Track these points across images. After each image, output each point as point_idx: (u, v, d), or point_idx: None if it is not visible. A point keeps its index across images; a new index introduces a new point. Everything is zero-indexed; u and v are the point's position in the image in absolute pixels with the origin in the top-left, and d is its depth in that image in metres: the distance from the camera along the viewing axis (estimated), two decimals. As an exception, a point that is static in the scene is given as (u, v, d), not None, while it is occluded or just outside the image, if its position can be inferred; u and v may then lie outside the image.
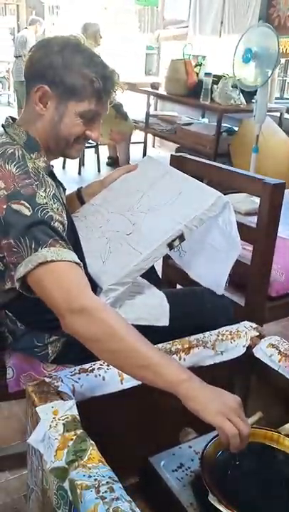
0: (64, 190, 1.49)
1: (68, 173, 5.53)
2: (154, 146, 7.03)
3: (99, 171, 5.75)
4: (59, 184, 1.42)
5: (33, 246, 1.09)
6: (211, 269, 1.62)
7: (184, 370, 1.05)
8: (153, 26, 7.55)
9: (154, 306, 1.49)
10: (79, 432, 1.02)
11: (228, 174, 1.75)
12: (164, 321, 1.47)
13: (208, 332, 1.43)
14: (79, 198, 1.69)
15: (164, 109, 6.83)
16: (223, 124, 4.69)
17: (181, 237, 1.43)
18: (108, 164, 6.06)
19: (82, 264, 1.14)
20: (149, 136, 6.27)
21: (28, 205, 1.13)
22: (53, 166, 1.38)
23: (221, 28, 5.51)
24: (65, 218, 1.27)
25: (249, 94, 4.39)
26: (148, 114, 5.87)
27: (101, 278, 1.42)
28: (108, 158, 6.10)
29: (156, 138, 6.78)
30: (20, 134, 1.29)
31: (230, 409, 0.99)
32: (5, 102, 10.42)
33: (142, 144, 6.05)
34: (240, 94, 4.63)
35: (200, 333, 1.42)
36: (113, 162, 6.04)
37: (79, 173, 5.64)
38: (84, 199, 1.68)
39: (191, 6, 5.98)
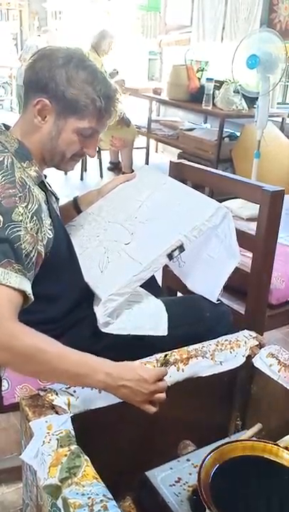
0: (57, 199, 1.47)
1: (70, 178, 5.52)
2: (156, 152, 7.02)
3: (101, 176, 5.73)
4: (51, 194, 1.40)
5: None
6: (207, 279, 1.60)
7: (98, 371, 1.11)
8: (155, 31, 7.55)
9: (152, 315, 1.47)
10: (73, 447, 1.00)
11: (227, 181, 1.73)
12: (162, 330, 1.45)
13: (206, 342, 1.41)
14: (75, 207, 1.67)
15: (166, 114, 6.82)
16: (225, 130, 4.67)
17: (181, 248, 1.41)
18: (109, 169, 6.05)
19: (28, 292, 1.12)
20: (152, 142, 6.25)
21: (1, 219, 1.11)
22: (46, 176, 1.36)
23: (222, 34, 5.50)
24: (47, 233, 1.24)
25: (251, 100, 4.37)
26: (150, 120, 5.85)
27: (100, 288, 1.40)
28: (110, 163, 6.09)
29: (158, 143, 6.76)
30: (11, 142, 1.27)
31: (143, 393, 1.14)
32: (7, 107, 10.42)
33: (145, 150, 6.03)
34: (242, 99, 4.61)
35: (199, 343, 1.40)
36: (114, 167, 6.03)
37: (81, 178, 5.63)
38: (80, 208, 1.66)
39: (194, 11, 5.97)
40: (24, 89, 1.32)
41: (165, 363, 1.28)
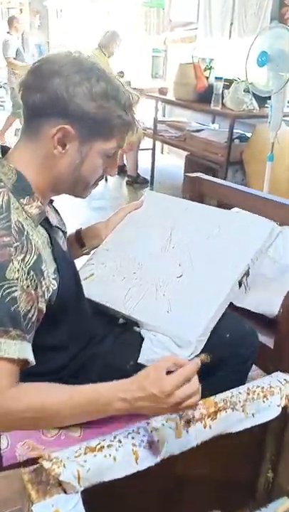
0: (64, 233, 1.29)
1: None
2: (162, 153, 6.83)
3: (106, 180, 5.54)
4: (58, 229, 1.22)
5: None
6: (265, 297, 1.52)
7: (113, 401, 1.00)
8: (159, 28, 7.36)
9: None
10: None
11: (256, 200, 1.52)
12: None
13: (236, 389, 1.22)
14: (78, 240, 1.49)
15: (172, 114, 6.63)
16: (235, 130, 4.47)
17: (247, 273, 1.32)
18: (114, 173, 5.86)
19: (30, 359, 0.97)
20: (158, 143, 6.05)
21: None
22: (52, 201, 1.18)
23: (231, 30, 5.29)
24: (50, 284, 1.07)
25: (262, 99, 4.17)
26: (156, 121, 5.64)
27: (182, 329, 1.27)
28: (114, 166, 5.91)
29: (164, 144, 6.57)
30: (8, 174, 1.07)
31: (164, 408, 1.01)
32: (8, 108, 10.25)
33: (150, 151, 5.84)
34: (253, 98, 4.41)
35: (227, 391, 1.21)
36: (120, 170, 5.84)
37: (85, 183, 5.44)
38: (84, 242, 1.48)
39: (200, 7, 5.76)
40: (28, 114, 1.10)
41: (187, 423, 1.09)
